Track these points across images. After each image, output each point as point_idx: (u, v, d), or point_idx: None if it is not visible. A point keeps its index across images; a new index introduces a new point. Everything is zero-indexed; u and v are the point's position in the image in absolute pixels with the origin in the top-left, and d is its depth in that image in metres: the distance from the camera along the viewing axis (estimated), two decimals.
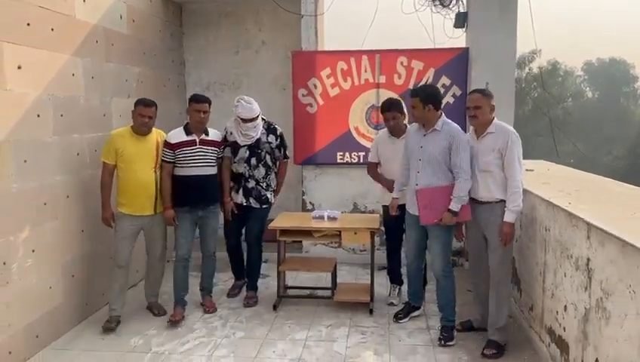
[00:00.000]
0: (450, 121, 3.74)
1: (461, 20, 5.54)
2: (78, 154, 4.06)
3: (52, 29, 3.74)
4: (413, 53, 5.47)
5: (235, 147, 4.34)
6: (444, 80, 5.38)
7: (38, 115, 3.62)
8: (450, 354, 3.59)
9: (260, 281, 4.72)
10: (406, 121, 4.40)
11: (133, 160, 3.94)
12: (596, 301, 2.65)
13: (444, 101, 4.65)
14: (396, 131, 4.28)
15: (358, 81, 5.54)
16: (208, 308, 4.34)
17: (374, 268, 4.43)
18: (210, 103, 4.19)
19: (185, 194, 4.11)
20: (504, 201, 3.46)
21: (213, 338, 3.88)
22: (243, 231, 4.61)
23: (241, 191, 4.41)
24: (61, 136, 3.83)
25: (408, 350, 3.68)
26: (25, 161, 3.48)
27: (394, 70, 5.48)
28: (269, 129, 4.43)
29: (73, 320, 4.04)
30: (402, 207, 4.02)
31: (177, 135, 4.12)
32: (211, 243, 4.34)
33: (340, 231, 4.29)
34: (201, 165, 4.13)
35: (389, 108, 4.23)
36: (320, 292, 4.70)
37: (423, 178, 3.67)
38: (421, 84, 5.25)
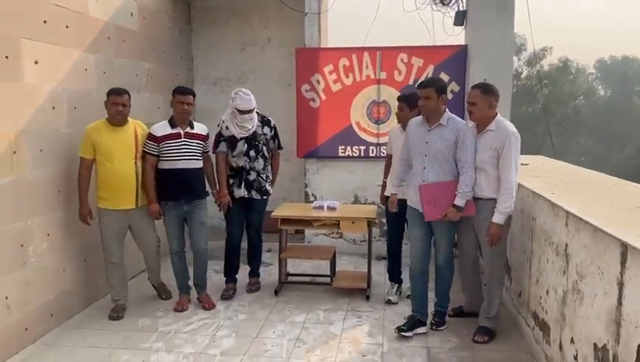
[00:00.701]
0: (454, 115, 3.71)
1: (460, 18, 5.68)
2: None
3: (67, 26, 3.96)
4: (413, 50, 5.62)
5: (233, 141, 4.39)
6: (443, 76, 5.48)
7: (53, 107, 3.84)
8: (440, 338, 3.76)
9: (262, 269, 4.92)
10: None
11: (111, 152, 3.89)
12: (572, 283, 2.81)
13: None
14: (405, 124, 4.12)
15: (359, 77, 5.69)
16: (206, 304, 4.30)
17: (372, 256, 4.60)
18: (194, 96, 4.18)
19: (170, 187, 4.07)
20: (495, 200, 3.48)
21: (216, 319, 4.09)
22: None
23: (242, 184, 4.43)
24: (75, 127, 4.03)
25: None
26: (41, 151, 3.70)
27: (394, 66, 5.63)
28: (264, 121, 4.50)
29: (85, 302, 4.27)
30: (401, 203, 4.04)
31: (162, 128, 4.08)
32: (200, 239, 4.26)
33: (338, 221, 4.47)
34: (186, 158, 4.08)
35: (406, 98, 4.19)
36: (320, 279, 4.89)
37: (431, 174, 3.61)
38: (421, 80, 5.38)
